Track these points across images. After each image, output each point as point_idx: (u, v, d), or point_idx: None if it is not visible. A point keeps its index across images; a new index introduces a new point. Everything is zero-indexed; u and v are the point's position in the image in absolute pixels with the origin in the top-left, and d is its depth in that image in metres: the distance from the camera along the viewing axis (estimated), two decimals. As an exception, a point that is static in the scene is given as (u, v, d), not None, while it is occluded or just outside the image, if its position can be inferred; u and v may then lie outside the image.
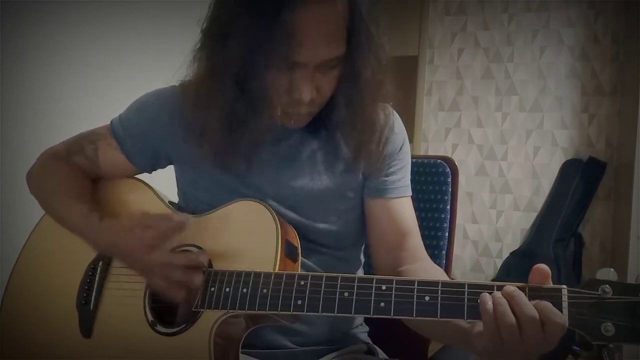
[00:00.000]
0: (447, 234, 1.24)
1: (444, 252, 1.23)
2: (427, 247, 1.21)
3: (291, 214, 0.97)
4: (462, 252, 3.13)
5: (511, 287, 0.70)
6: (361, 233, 1.06)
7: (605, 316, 0.66)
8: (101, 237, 0.92)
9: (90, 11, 1.70)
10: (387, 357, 1.07)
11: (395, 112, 1.04)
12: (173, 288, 0.84)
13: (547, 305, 0.67)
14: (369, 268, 1.22)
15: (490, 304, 0.69)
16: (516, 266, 2.88)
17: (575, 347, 2.53)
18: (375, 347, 1.09)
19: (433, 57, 3.22)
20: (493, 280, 2.99)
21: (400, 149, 1.04)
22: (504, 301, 0.68)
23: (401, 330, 1.14)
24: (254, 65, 0.83)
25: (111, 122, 1.06)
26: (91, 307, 0.93)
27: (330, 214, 1.01)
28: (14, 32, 1.41)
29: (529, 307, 0.67)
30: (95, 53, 1.72)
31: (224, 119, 0.89)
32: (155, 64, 1.97)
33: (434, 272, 0.98)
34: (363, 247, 1.11)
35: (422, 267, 0.98)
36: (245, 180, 0.98)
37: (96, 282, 0.95)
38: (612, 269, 0.68)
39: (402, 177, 1.04)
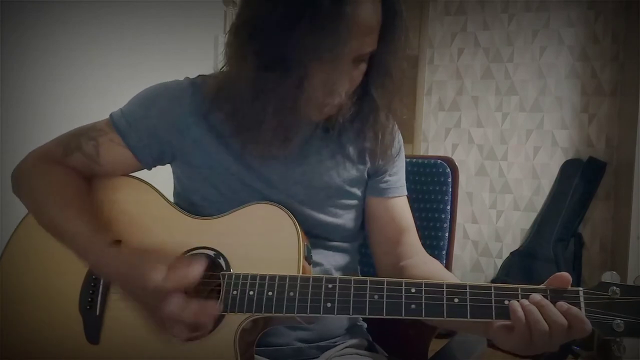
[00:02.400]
0: (447, 234, 1.24)
1: (444, 252, 1.23)
2: (427, 247, 1.21)
3: (300, 208, 0.99)
4: (462, 252, 3.13)
5: (538, 296, 0.76)
6: (361, 228, 1.10)
7: (615, 314, 0.74)
8: (106, 264, 0.85)
9: (90, 11, 1.70)
10: (387, 355, 1.08)
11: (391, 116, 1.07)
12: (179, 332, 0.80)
13: (578, 313, 0.74)
14: (369, 268, 1.22)
15: (521, 311, 0.75)
16: (516, 266, 2.87)
17: (575, 347, 2.53)
18: (375, 344, 1.10)
19: (433, 57, 3.22)
20: (493, 280, 2.99)
21: (399, 151, 1.09)
22: (534, 309, 0.74)
23: (401, 330, 1.14)
24: (301, 57, 0.83)
25: (111, 116, 1.01)
26: (97, 313, 0.90)
27: (337, 208, 1.03)
28: (14, 32, 1.40)
29: (558, 315, 0.74)
30: (95, 53, 1.72)
31: (266, 109, 0.89)
32: (155, 64, 1.96)
33: (432, 265, 1.04)
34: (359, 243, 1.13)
35: (421, 260, 1.04)
36: (257, 174, 0.98)
37: (101, 286, 0.91)
38: (615, 272, 0.76)
39: (400, 178, 1.10)
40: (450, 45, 3.18)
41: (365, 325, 1.13)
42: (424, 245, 1.09)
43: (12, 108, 1.38)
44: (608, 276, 0.76)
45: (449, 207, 1.25)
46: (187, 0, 2.22)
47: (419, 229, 1.09)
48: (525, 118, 3.01)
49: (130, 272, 0.80)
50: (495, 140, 3.08)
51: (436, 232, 1.24)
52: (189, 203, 1.02)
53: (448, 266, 1.24)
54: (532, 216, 2.98)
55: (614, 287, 0.75)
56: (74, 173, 0.98)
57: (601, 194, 2.83)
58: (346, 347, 1.03)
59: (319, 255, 0.99)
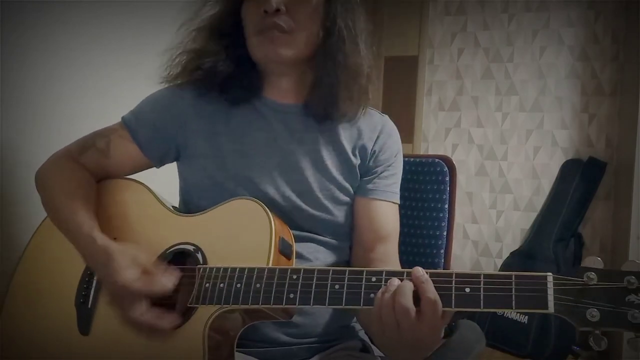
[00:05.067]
0: (445, 234, 1.24)
1: (442, 251, 1.23)
2: (425, 246, 1.21)
3: (293, 199, 1.00)
4: (462, 252, 3.13)
5: (395, 281, 0.74)
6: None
7: (590, 302, 0.65)
8: (91, 253, 0.91)
9: (90, 11, 1.70)
10: (383, 356, 1.08)
11: (391, 122, 1.09)
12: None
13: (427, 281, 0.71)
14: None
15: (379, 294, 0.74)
16: (516, 266, 2.87)
17: (575, 348, 2.53)
18: (371, 345, 1.10)
19: (433, 57, 3.22)
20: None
21: (395, 156, 1.09)
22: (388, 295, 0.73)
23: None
24: None
25: (122, 117, 1.08)
26: (89, 306, 0.95)
27: (329, 202, 1.04)
28: (14, 32, 1.41)
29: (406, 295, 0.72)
30: (95, 53, 1.72)
31: (220, 46, 1.00)
32: (155, 64, 1.96)
33: None
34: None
35: None
36: (252, 162, 1.01)
37: (94, 282, 0.97)
38: (599, 258, 0.68)
39: (392, 183, 1.08)
40: (450, 45, 3.18)
41: (359, 326, 1.13)
42: (422, 245, 1.08)
43: (12, 108, 1.38)
44: (589, 261, 0.67)
45: (447, 207, 1.25)
46: (187, 0, 2.22)
47: (417, 228, 1.08)
48: (525, 118, 3.02)
49: (107, 264, 0.85)
50: (495, 140, 3.08)
51: (434, 232, 1.24)
52: (190, 200, 1.06)
53: (447, 266, 1.24)
54: (532, 216, 2.99)
55: (590, 273, 0.65)
56: (84, 171, 1.04)
57: (601, 194, 2.83)
58: (339, 349, 1.03)
59: (308, 251, 1.01)
